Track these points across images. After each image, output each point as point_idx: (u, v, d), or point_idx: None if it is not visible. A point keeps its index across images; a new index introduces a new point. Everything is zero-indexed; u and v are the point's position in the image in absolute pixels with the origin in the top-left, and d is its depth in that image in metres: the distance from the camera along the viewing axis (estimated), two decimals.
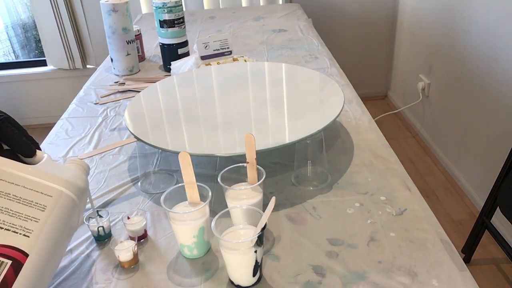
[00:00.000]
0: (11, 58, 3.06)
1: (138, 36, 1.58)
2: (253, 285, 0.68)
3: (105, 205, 0.88)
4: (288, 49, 1.65)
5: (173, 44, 1.44)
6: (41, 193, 0.61)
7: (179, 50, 1.45)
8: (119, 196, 0.90)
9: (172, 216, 0.71)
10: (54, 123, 1.22)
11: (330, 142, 1.03)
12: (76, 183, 0.66)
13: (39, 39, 2.73)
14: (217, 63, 1.35)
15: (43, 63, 2.84)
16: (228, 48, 1.41)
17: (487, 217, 1.60)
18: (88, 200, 0.72)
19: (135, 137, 0.92)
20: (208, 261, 0.73)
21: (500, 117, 1.77)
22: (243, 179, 0.77)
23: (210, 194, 0.71)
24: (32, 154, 0.66)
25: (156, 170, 0.96)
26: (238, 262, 0.65)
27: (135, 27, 1.55)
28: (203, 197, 0.72)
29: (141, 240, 0.78)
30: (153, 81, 1.41)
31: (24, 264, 0.55)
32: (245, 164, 0.76)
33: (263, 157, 0.95)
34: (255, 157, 0.74)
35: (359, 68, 2.88)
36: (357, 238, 0.75)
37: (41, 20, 2.64)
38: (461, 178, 2.11)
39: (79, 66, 2.77)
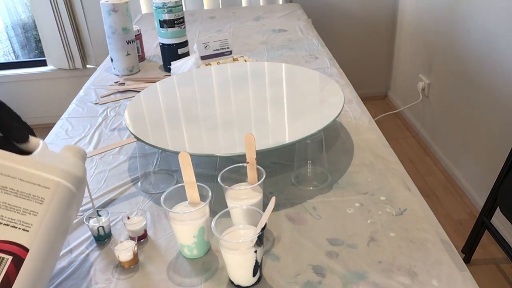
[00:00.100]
0: (11, 58, 3.06)
1: (138, 36, 1.58)
2: (253, 285, 0.68)
3: (105, 205, 0.88)
4: (288, 49, 1.65)
5: (173, 44, 1.44)
6: (38, 185, 0.60)
7: (179, 50, 1.45)
8: (119, 196, 0.90)
9: (172, 216, 0.71)
10: (54, 123, 1.22)
11: (330, 142, 1.03)
12: (73, 173, 0.64)
13: (39, 39, 2.73)
14: (217, 63, 1.35)
15: (43, 63, 2.84)
16: (228, 48, 1.41)
17: (487, 217, 1.60)
18: (87, 190, 0.71)
19: (135, 137, 0.92)
20: (208, 261, 0.73)
21: (500, 117, 1.77)
22: (243, 179, 0.77)
23: (210, 194, 0.71)
24: (24, 139, 0.64)
25: (156, 170, 0.96)
26: (238, 262, 0.65)
27: (135, 27, 1.55)
28: (203, 197, 0.72)
29: (141, 240, 0.78)
30: (153, 81, 1.41)
31: (25, 259, 0.55)
32: (245, 164, 0.76)
33: (263, 157, 0.95)
34: (255, 157, 0.74)
35: (359, 68, 2.89)
36: (357, 238, 0.75)
37: (41, 20, 2.64)
38: (461, 178, 2.11)
39: (79, 66, 2.77)
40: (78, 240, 0.79)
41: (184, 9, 1.46)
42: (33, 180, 0.60)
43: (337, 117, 0.92)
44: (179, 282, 0.70)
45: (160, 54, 1.52)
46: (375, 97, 3.01)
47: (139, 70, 1.54)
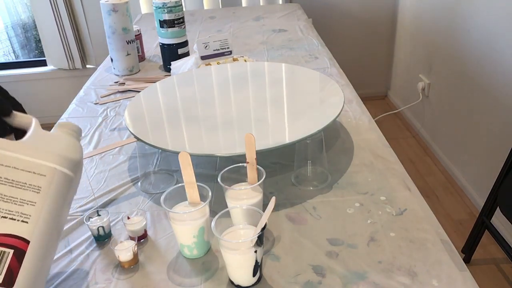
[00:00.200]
0: (11, 58, 3.06)
1: (138, 36, 1.58)
2: (253, 285, 0.68)
3: (105, 205, 0.88)
4: (288, 49, 1.65)
5: (173, 44, 1.44)
6: (34, 173, 0.58)
7: (179, 50, 1.45)
8: (119, 196, 0.90)
9: (172, 216, 0.71)
10: (54, 123, 1.22)
11: (330, 142, 1.03)
12: (69, 156, 0.61)
13: (39, 39, 2.73)
14: (217, 63, 1.35)
15: (43, 63, 2.84)
16: (228, 48, 1.41)
17: (487, 217, 1.60)
18: (90, 188, 0.70)
19: (135, 137, 0.92)
20: (208, 261, 0.73)
21: (500, 117, 1.77)
22: (243, 179, 0.77)
23: (210, 194, 0.71)
24: (7, 112, 0.61)
25: (156, 170, 0.96)
26: (238, 262, 0.65)
27: (135, 27, 1.55)
28: (203, 197, 0.72)
29: (141, 240, 0.78)
30: (153, 81, 1.41)
31: (27, 252, 0.54)
32: (245, 164, 0.76)
33: (263, 157, 0.95)
34: (255, 157, 0.74)
35: (359, 68, 2.89)
36: (357, 238, 0.75)
37: (41, 20, 2.64)
38: (461, 178, 2.11)
39: (78, 66, 2.77)
40: (78, 240, 0.79)
41: (184, 9, 1.46)
42: (28, 168, 0.58)
43: (337, 117, 0.92)
44: (179, 282, 0.70)
45: (160, 54, 1.52)
46: (375, 97, 3.01)
47: (139, 70, 1.54)
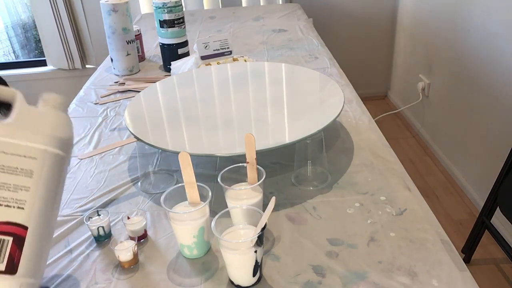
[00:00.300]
0: (11, 58, 3.06)
1: (138, 36, 1.58)
2: (253, 285, 0.68)
3: (105, 205, 0.88)
4: (288, 49, 1.65)
5: (173, 44, 1.44)
6: (24, 156, 0.56)
7: (179, 50, 1.45)
8: (119, 196, 0.90)
9: (172, 216, 0.71)
10: None
11: (330, 142, 1.03)
12: (59, 135, 0.59)
13: (39, 39, 2.73)
14: (217, 63, 1.35)
15: (43, 63, 2.84)
16: (228, 48, 1.41)
17: (487, 217, 1.60)
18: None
19: (135, 137, 0.92)
20: (208, 261, 0.73)
21: (500, 117, 1.77)
22: (243, 179, 0.77)
23: (210, 194, 0.71)
24: None
25: (156, 170, 0.96)
26: (238, 262, 0.65)
27: (135, 27, 1.55)
28: (203, 197, 0.72)
29: (141, 240, 0.78)
30: (153, 81, 1.41)
31: (26, 238, 0.54)
32: (245, 164, 0.76)
33: (263, 157, 0.95)
34: (255, 157, 0.74)
35: (359, 68, 2.88)
36: (357, 238, 0.75)
37: (41, 20, 2.64)
38: (461, 178, 2.11)
39: (78, 66, 2.77)
40: (78, 240, 0.79)
41: (184, 9, 1.46)
42: (17, 151, 0.56)
43: (337, 117, 0.92)
44: (179, 282, 0.70)
45: (160, 54, 1.52)
46: (375, 97, 3.01)
47: (139, 70, 1.54)
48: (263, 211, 0.65)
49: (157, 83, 1.18)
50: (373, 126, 1.10)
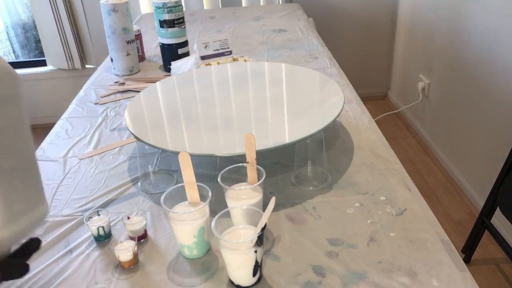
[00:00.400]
0: (11, 58, 3.06)
1: (138, 36, 1.58)
2: (253, 285, 0.68)
3: (105, 205, 0.88)
4: (288, 49, 1.65)
5: (173, 44, 1.44)
6: None
7: (179, 50, 1.45)
8: (119, 196, 0.90)
9: (172, 216, 0.71)
10: (54, 123, 1.22)
11: (330, 142, 1.03)
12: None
13: (39, 39, 2.73)
14: (217, 63, 1.35)
15: (43, 63, 2.84)
16: (228, 48, 1.41)
17: (487, 217, 1.60)
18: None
19: (135, 137, 0.92)
20: (208, 261, 0.73)
21: (500, 117, 1.77)
22: (243, 179, 0.77)
23: (210, 194, 0.71)
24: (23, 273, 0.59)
25: (156, 170, 0.96)
26: (238, 262, 0.65)
27: (135, 27, 1.55)
28: (203, 197, 0.72)
29: (141, 240, 0.78)
30: (153, 81, 1.41)
31: None
32: (245, 164, 0.76)
33: (263, 157, 0.94)
34: (255, 157, 0.74)
35: (359, 68, 2.88)
36: (357, 238, 0.75)
37: (41, 20, 2.64)
38: (461, 178, 2.11)
39: (78, 66, 2.77)
40: (78, 240, 0.79)
41: (184, 9, 1.46)
42: None
43: (337, 117, 0.92)
44: (179, 282, 0.69)
45: (160, 54, 1.52)
46: (375, 97, 3.01)
47: (139, 70, 1.54)
48: (263, 211, 0.65)
49: (157, 83, 1.18)
50: (373, 126, 1.10)
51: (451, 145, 2.20)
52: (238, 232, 0.67)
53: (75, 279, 0.71)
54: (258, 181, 0.75)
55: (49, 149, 1.09)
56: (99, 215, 0.79)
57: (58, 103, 2.67)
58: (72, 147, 1.09)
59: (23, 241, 0.61)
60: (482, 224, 1.62)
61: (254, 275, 0.67)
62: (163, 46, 1.46)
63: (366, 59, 2.89)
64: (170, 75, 1.45)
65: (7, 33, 3.01)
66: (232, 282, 0.68)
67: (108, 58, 1.59)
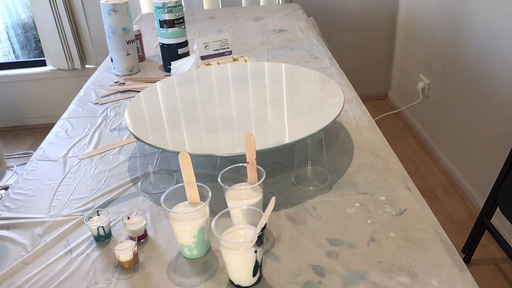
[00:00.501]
0: (11, 58, 3.06)
1: (138, 36, 1.58)
2: (253, 285, 0.68)
3: (105, 205, 0.88)
4: (288, 49, 1.65)
5: (173, 44, 1.44)
6: None
7: (179, 50, 1.45)
8: (119, 196, 0.90)
9: (172, 216, 0.71)
10: (54, 123, 1.22)
11: (330, 142, 1.03)
12: None
13: (39, 39, 2.73)
14: (217, 63, 1.35)
15: (43, 63, 2.84)
16: (228, 48, 1.41)
17: (487, 217, 1.60)
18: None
19: (135, 137, 0.92)
20: (208, 261, 0.73)
21: (500, 117, 1.77)
22: (243, 179, 0.77)
23: (210, 194, 0.71)
24: None
25: (156, 170, 0.96)
26: (238, 262, 0.65)
27: (135, 27, 1.55)
28: (203, 197, 0.72)
29: (141, 240, 0.78)
30: (153, 81, 1.41)
31: None
32: (245, 164, 0.76)
33: (263, 157, 0.94)
34: (255, 157, 0.74)
35: (359, 68, 2.88)
36: (357, 238, 0.75)
37: (41, 21, 2.64)
38: (461, 178, 2.11)
39: (78, 66, 2.77)
40: (78, 240, 0.79)
41: (184, 9, 1.46)
42: None
43: (337, 117, 0.92)
44: (179, 282, 0.70)
45: (160, 54, 1.52)
46: (375, 97, 3.01)
47: (139, 70, 1.54)
48: (263, 211, 0.65)
49: (157, 83, 1.18)
50: (373, 126, 1.10)
51: (451, 145, 2.20)
52: (238, 232, 0.67)
53: (75, 279, 0.71)
54: (258, 181, 0.75)
55: (49, 149, 1.09)
56: (99, 215, 0.79)
57: (58, 103, 2.67)
58: (72, 147, 1.09)
59: None
60: (482, 224, 1.62)
61: (254, 275, 0.67)
62: (163, 46, 1.46)
63: (366, 59, 2.89)
64: (170, 75, 1.45)
65: (7, 33, 3.01)
66: (232, 282, 0.68)
67: (108, 58, 1.59)
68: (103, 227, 0.77)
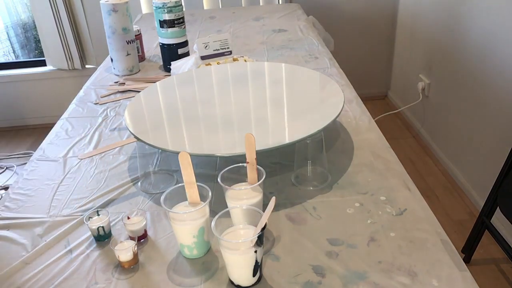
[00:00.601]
0: (11, 58, 3.06)
1: (138, 36, 1.58)
2: (253, 285, 0.68)
3: (105, 205, 0.88)
4: (288, 49, 1.65)
5: (173, 44, 1.44)
6: None
7: (179, 50, 1.45)
8: (119, 196, 0.90)
9: (172, 216, 0.71)
10: (54, 123, 1.22)
11: (330, 142, 1.03)
12: None
13: (39, 39, 2.73)
14: (217, 63, 1.35)
15: (42, 63, 2.84)
16: (228, 48, 1.41)
17: (487, 217, 1.60)
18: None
19: (135, 137, 0.92)
20: (208, 261, 0.73)
21: (500, 117, 1.77)
22: (243, 179, 0.77)
23: (210, 194, 0.71)
24: None
25: (156, 170, 0.96)
26: (238, 262, 0.65)
27: (135, 27, 1.55)
28: (203, 197, 0.72)
29: (141, 240, 0.78)
30: (153, 81, 1.41)
31: None
32: (245, 164, 0.76)
33: (263, 157, 0.94)
34: (255, 157, 0.74)
35: (359, 68, 2.88)
36: (357, 238, 0.75)
37: (41, 21, 2.64)
38: (461, 178, 2.11)
39: (78, 66, 2.77)
40: (78, 240, 0.79)
41: (184, 9, 1.46)
42: None
43: (337, 117, 0.92)
44: (179, 282, 0.70)
45: (160, 54, 1.52)
46: (375, 97, 3.01)
47: (139, 70, 1.54)
48: (263, 211, 0.65)
49: (157, 83, 1.18)
50: (373, 126, 1.10)
51: (451, 145, 2.20)
52: (238, 232, 0.67)
53: (75, 279, 0.71)
54: (258, 181, 0.75)
55: (49, 149, 1.09)
56: (99, 215, 0.79)
57: (58, 103, 2.67)
58: (72, 147, 1.09)
59: None
60: (482, 224, 1.62)
61: (254, 275, 0.67)
62: (163, 46, 1.46)
63: (366, 59, 2.89)
64: (170, 75, 1.45)
65: (7, 33, 3.01)
66: (232, 282, 0.68)
67: (108, 58, 1.59)
68: (103, 227, 0.77)
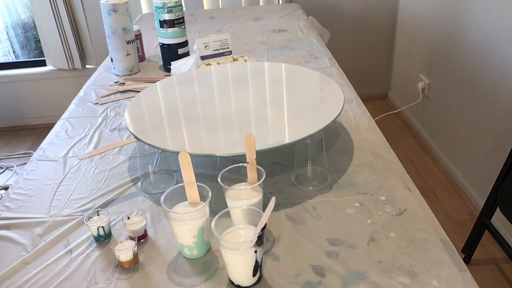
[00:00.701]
0: (11, 58, 3.06)
1: (138, 36, 1.58)
2: (253, 285, 0.68)
3: (105, 205, 0.88)
4: (288, 49, 1.65)
5: (173, 44, 1.44)
6: None
7: (179, 50, 1.45)
8: (119, 196, 0.90)
9: (172, 216, 0.71)
10: (54, 123, 1.22)
11: (330, 142, 1.03)
12: None
13: (39, 39, 2.73)
14: (217, 63, 1.35)
15: (43, 63, 2.84)
16: (228, 48, 1.41)
17: (487, 217, 1.60)
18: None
19: (135, 137, 0.92)
20: (208, 261, 0.73)
21: (500, 117, 1.77)
22: (243, 179, 0.77)
23: (210, 194, 0.71)
24: None
25: (156, 170, 0.96)
26: (238, 262, 0.65)
27: (135, 27, 1.55)
28: (203, 197, 0.72)
29: (141, 240, 0.78)
30: (153, 81, 1.41)
31: None
32: (245, 164, 0.76)
33: (263, 157, 0.94)
34: (255, 157, 0.74)
35: (359, 68, 2.88)
36: (357, 238, 0.75)
37: (41, 21, 2.64)
38: (461, 178, 2.11)
39: (78, 66, 2.77)
40: (78, 240, 0.79)
41: (184, 9, 1.46)
42: None
43: (337, 117, 0.92)
44: (179, 282, 0.70)
45: (160, 54, 1.52)
46: (375, 97, 3.01)
47: (139, 70, 1.54)
48: (263, 211, 0.65)
49: (157, 83, 1.18)
50: (373, 126, 1.10)
51: (451, 145, 2.20)
52: (238, 232, 0.67)
53: (75, 279, 0.71)
54: (258, 181, 0.75)
55: (49, 149, 1.09)
56: (99, 215, 0.79)
57: (58, 103, 2.67)
58: (72, 147, 1.09)
59: None
60: (482, 224, 1.62)
61: (254, 275, 0.67)
62: (163, 46, 1.46)
63: (366, 59, 2.89)
64: (170, 75, 1.45)
65: (7, 33, 3.01)
66: (232, 282, 0.68)
67: (108, 58, 1.59)
68: (103, 227, 0.77)
